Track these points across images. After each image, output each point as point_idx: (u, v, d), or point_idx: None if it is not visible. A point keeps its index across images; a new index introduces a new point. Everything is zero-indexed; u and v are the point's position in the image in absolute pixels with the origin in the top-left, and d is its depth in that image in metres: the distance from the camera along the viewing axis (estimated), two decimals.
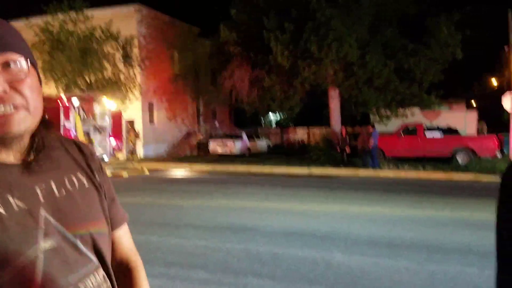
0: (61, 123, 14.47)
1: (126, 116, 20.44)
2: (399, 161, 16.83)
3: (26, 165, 0.85)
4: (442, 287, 4.15)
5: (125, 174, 14.89)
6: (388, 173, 14.79)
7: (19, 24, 21.96)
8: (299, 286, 4.17)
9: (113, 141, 16.72)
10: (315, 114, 28.07)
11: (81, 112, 15.26)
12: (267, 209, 8.16)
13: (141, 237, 5.99)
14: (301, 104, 19.58)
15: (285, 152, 23.74)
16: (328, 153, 17.71)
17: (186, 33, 26.27)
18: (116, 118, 17.13)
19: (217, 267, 4.75)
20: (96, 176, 0.98)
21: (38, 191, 0.84)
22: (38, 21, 18.60)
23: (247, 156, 21.76)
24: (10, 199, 0.79)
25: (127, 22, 21.40)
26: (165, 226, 6.77)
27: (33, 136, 0.88)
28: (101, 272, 0.91)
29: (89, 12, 18.97)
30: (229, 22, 18.65)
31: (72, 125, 14.73)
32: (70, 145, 0.98)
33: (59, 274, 0.81)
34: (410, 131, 18.25)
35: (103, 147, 16.18)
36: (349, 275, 4.45)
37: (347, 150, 17.03)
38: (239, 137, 23.19)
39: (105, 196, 0.98)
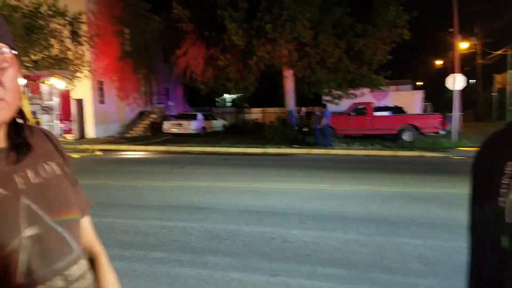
0: None
1: (75, 96, 19.63)
2: (350, 139, 17.45)
3: (2, 154, 0.85)
4: (390, 256, 4.45)
5: (75, 155, 14.40)
6: (339, 151, 15.29)
7: None
8: (256, 261, 4.32)
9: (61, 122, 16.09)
10: (269, 94, 28.31)
11: (28, 91, 14.50)
12: (222, 188, 8.25)
13: (95, 219, 5.86)
14: (256, 84, 19.64)
15: (240, 132, 23.86)
16: (282, 132, 18.00)
17: (136, 9, 25.34)
18: (65, 98, 16.43)
19: (174, 246, 4.80)
20: (65, 163, 0.99)
21: (16, 179, 0.83)
22: None
23: (202, 136, 21.68)
24: None
25: None
26: (119, 206, 6.71)
27: (7, 125, 0.87)
28: (84, 260, 0.92)
29: None
30: None
31: None
32: (39, 134, 0.97)
33: (44, 262, 0.81)
34: (360, 110, 18.88)
35: (51, 127, 15.53)
36: (304, 249, 4.66)
37: (306, 129, 17.36)
38: (194, 116, 23.00)
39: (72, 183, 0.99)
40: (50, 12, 18.13)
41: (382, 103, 21.65)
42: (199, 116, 23.04)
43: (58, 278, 0.83)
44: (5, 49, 0.81)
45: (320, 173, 10.25)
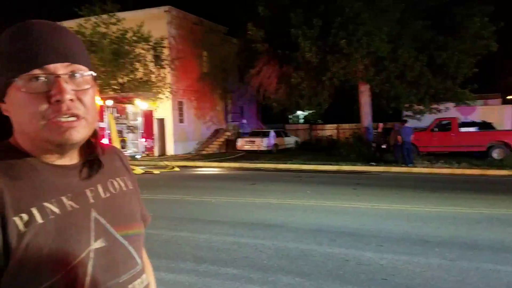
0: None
1: (157, 115, 20.81)
2: (433, 157, 16.44)
3: (76, 169, 0.89)
4: (474, 284, 4.02)
5: (156, 171, 15.18)
6: (421, 169, 14.44)
7: None
8: (329, 283, 4.13)
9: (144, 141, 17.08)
10: (344, 110, 27.73)
11: (115, 112, 15.66)
12: (294, 205, 8.12)
13: (171, 232, 6.10)
14: (330, 100, 19.38)
15: (313, 149, 23.59)
16: (358, 149, 17.47)
17: (214, 33, 26.47)
18: (148, 118, 17.46)
19: (246, 263, 4.77)
20: (132, 178, 1.04)
21: (88, 193, 0.88)
22: (71, 23, 19.18)
23: (275, 153, 21.76)
24: (64, 199, 0.83)
25: (157, 24, 21.79)
26: (194, 221, 6.86)
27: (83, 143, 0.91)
28: (145, 274, 0.94)
29: (121, 15, 19.42)
30: (256, 19, 18.66)
31: (106, 124, 15.14)
32: (109, 152, 1.02)
33: (110, 275, 0.84)
34: (444, 126, 17.80)
35: (136, 145, 16.55)
36: (381, 273, 4.38)
37: (385, 146, 16.66)
38: (266, 134, 23.21)
39: (139, 198, 1.04)
40: (135, 38, 19.60)
41: (468, 119, 20.20)
42: (272, 133, 23.21)
43: None
44: (87, 71, 0.86)
45: (399, 192, 9.71)
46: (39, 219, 0.78)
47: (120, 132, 15.80)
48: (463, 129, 17.60)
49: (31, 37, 0.81)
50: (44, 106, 0.80)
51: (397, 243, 5.46)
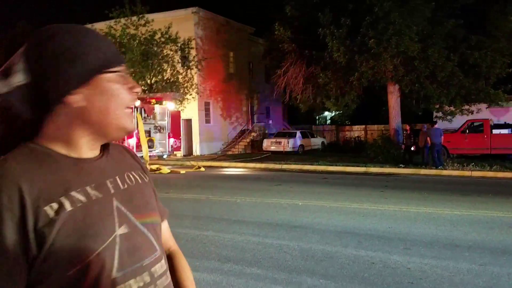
0: None
1: (184, 116, 21.08)
2: (464, 159, 16.00)
3: (97, 162, 0.95)
4: None
5: (182, 171, 15.37)
6: (451, 172, 14.07)
7: None
8: (354, 286, 4.07)
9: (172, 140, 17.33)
10: (372, 111, 27.36)
11: (143, 112, 15.95)
12: (320, 207, 8.05)
13: (197, 231, 6.15)
14: (358, 101, 19.13)
15: (340, 150, 23.35)
16: (387, 151, 17.17)
17: (241, 33, 26.58)
18: (175, 118, 17.70)
19: (270, 263, 4.76)
20: (146, 173, 1.08)
21: (108, 184, 0.93)
22: (102, 25, 19.67)
23: (301, 154, 21.65)
24: (88, 189, 0.88)
25: (185, 25, 22.08)
26: (220, 221, 6.90)
27: None
28: (164, 260, 0.99)
29: (150, 16, 19.78)
30: (284, 19, 18.62)
31: (134, 124, 15.44)
32: (121, 149, 1.08)
33: (133, 259, 0.89)
34: (476, 127, 17.28)
35: (163, 145, 16.81)
36: (408, 277, 4.28)
37: (413, 148, 16.31)
38: (292, 135, 23.13)
39: (155, 191, 1.09)
40: (163, 39, 19.91)
41: (502, 120, 19.54)
42: (298, 134, 23.11)
43: (146, 274, 0.90)
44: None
45: (428, 195, 9.48)
46: (68, 207, 0.83)
47: (147, 132, 16.08)
48: (495, 131, 17.08)
49: (104, 39, 0.93)
50: (129, 96, 0.92)
51: (425, 246, 5.33)
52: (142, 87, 20.22)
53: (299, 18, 18.17)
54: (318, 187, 11.03)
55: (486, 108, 18.99)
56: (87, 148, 0.92)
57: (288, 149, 21.84)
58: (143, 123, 15.62)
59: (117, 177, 0.95)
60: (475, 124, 17.48)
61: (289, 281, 4.21)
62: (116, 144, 1.07)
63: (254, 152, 23.86)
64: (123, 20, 19.25)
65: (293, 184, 11.72)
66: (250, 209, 7.97)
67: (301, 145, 22.88)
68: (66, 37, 0.87)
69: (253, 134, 26.94)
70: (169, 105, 17.14)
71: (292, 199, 8.98)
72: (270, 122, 29.84)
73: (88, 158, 0.92)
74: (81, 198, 0.85)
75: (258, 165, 17.42)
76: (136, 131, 15.37)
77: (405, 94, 17.99)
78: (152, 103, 16.46)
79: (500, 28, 15.87)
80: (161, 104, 16.60)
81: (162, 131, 16.84)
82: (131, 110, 0.94)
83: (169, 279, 0.99)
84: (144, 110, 16.09)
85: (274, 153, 21.92)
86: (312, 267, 4.60)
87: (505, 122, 18.19)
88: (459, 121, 18.25)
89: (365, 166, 15.45)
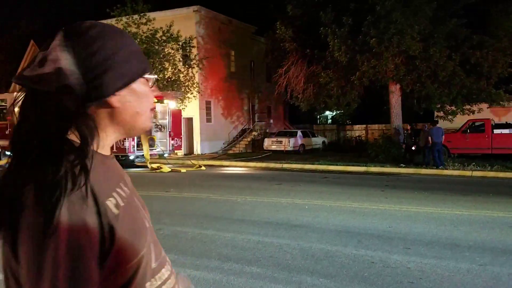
0: None
1: (185, 115, 21.10)
2: (465, 159, 15.98)
3: (114, 160, 0.97)
4: None
5: (183, 170, 15.38)
6: (452, 171, 14.06)
7: None
8: (354, 285, 4.07)
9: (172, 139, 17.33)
10: (373, 110, 27.33)
11: None
12: (320, 206, 8.05)
13: (197, 230, 6.16)
14: (359, 100, 19.11)
15: (341, 150, 23.33)
16: (387, 150, 17.16)
17: (242, 32, 26.55)
18: (176, 117, 17.70)
19: (270, 262, 4.76)
20: None
21: (127, 180, 0.96)
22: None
23: (302, 153, 21.65)
24: (122, 185, 0.90)
25: (186, 23, 22.06)
26: (220, 220, 6.91)
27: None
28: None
29: (151, 15, 19.76)
30: (285, 18, 18.60)
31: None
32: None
33: (159, 250, 0.94)
34: (477, 127, 17.26)
35: (164, 144, 16.81)
36: (408, 276, 4.28)
37: (414, 147, 16.29)
38: (293, 134, 23.12)
39: None
40: (164, 38, 19.88)
41: (503, 120, 19.51)
42: (298, 133, 23.10)
43: (168, 263, 0.97)
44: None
45: (429, 194, 9.47)
46: (120, 202, 0.85)
47: (149, 131, 16.09)
48: (496, 131, 17.06)
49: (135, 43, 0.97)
50: (153, 99, 0.97)
51: (425, 246, 5.33)
52: None
53: (300, 17, 18.15)
54: (319, 187, 11.03)
55: (488, 108, 18.96)
56: (109, 146, 0.95)
57: (289, 148, 21.84)
58: None
59: (125, 178, 0.98)
60: (476, 124, 17.45)
61: (289, 280, 4.21)
62: None
63: (255, 151, 23.86)
64: (124, 19, 19.24)
65: (294, 183, 11.72)
66: (250, 208, 7.97)
67: (302, 145, 22.87)
68: (118, 38, 0.89)
69: (254, 133, 26.93)
70: (170, 104, 17.14)
71: (293, 198, 8.98)
72: (271, 121, 29.83)
73: (109, 155, 0.94)
74: (123, 193, 0.88)
75: (258, 164, 17.42)
76: None
77: (406, 93, 17.97)
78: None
79: (502, 28, 15.85)
80: (162, 103, 16.60)
81: (163, 130, 16.85)
82: (153, 111, 0.98)
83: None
84: None
85: (275, 152, 21.92)
86: (312, 266, 4.60)
87: (506, 122, 18.14)
88: (460, 121, 18.23)
89: (365, 166, 15.45)
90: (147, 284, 0.87)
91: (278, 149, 22.09)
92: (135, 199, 0.93)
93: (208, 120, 24.55)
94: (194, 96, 21.41)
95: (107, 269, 0.80)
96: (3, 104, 17.74)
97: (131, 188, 0.94)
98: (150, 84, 0.95)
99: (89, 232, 0.76)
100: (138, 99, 0.91)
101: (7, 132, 17.57)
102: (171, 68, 20.43)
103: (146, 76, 0.94)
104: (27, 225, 0.74)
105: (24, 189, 0.75)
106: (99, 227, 0.78)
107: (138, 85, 0.91)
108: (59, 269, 0.72)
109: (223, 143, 25.56)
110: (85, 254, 0.75)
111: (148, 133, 15.93)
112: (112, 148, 0.99)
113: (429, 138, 14.78)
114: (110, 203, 0.82)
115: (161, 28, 19.56)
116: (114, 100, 0.87)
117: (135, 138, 15.22)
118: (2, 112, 17.71)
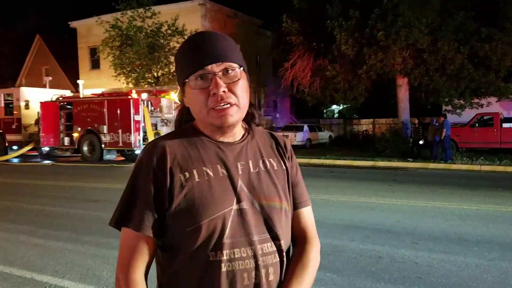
0: (131, 116, 15.23)
1: None
2: (473, 153, 15.83)
3: (234, 146, 1.14)
4: None
5: None
6: (460, 166, 13.93)
7: (91, 22, 23.33)
8: (361, 280, 4.03)
9: None
10: (381, 104, 27.14)
11: (149, 105, 15.93)
12: (326, 201, 8.00)
13: None
14: (366, 94, 18.95)
15: (348, 144, 23.22)
16: (395, 144, 17.04)
17: (248, 25, 26.44)
18: None
19: None
20: (286, 162, 1.22)
21: (239, 166, 1.12)
22: (108, 18, 19.63)
23: (308, 148, 21.57)
24: (218, 167, 1.09)
25: (191, 17, 22.00)
26: None
27: (245, 124, 1.20)
28: (279, 242, 1.11)
29: (156, 8, 19.70)
30: (291, 11, 18.45)
31: (141, 117, 15.43)
32: (268, 135, 1.26)
33: (244, 232, 1.06)
34: (485, 121, 17.08)
35: None
36: (415, 271, 4.23)
37: (422, 141, 16.14)
38: (300, 128, 23.04)
39: (289, 179, 1.21)
40: (170, 32, 19.82)
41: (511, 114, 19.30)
42: (305, 127, 23.01)
43: (250, 248, 1.05)
44: (237, 67, 1.11)
45: (437, 189, 9.38)
46: (196, 177, 1.07)
47: (154, 125, 16.08)
48: (505, 125, 16.89)
49: (195, 46, 1.10)
50: (207, 98, 1.07)
51: (433, 241, 5.27)
52: (149, 80, 20.22)
53: (307, 10, 17.98)
54: (325, 181, 10.98)
55: (496, 101, 18.74)
56: (219, 134, 1.12)
57: (296, 142, 21.76)
58: (150, 116, 15.61)
59: (250, 161, 1.13)
60: (485, 117, 17.27)
61: None
62: (267, 131, 1.27)
63: None
64: (129, 12, 19.20)
65: None
66: None
67: (309, 139, 22.78)
68: None
69: (260, 127, 26.88)
70: (176, 98, 17.10)
71: None
72: (277, 115, 29.75)
73: (228, 142, 1.14)
74: (210, 173, 1.08)
75: None
76: (143, 124, 15.38)
77: (414, 87, 17.78)
78: (158, 96, 16.45)
79: (511, 21, 15.60)
80: (168, 97, 16.58)
81: (168, 124, 16.83)
82: (217, 108, 1.09)
83: (277, 259, 1.10)
84: (151, 103, 16.08)
85: None
86: None
87: None
88: (468, 114, 18.03)
89: (372, 160, 15.35)
90: (211, 253, 1.03)
91: None
92: (231, 180, 1.08)
93: None
94: None
95: (165, 228, 1.06)
96: (9, 98, 17.81)
97: (238, 172, 1.10)
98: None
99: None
100: (189, 101, 1.14)
101: (13, 127, 17.67)
102: None
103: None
104: None
105: None
106: (155, 189, 1.05)
107: (188, 89, 1.13)
108: None
109: None
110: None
111: (154, 127, 15.94)
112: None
113: (444, 130, 14.54)
114: (182, 176, 1.06)
115: (166, 21, 19.50)
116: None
117: (141, 132, 15.22)
118: (9, 107, 17.79)
